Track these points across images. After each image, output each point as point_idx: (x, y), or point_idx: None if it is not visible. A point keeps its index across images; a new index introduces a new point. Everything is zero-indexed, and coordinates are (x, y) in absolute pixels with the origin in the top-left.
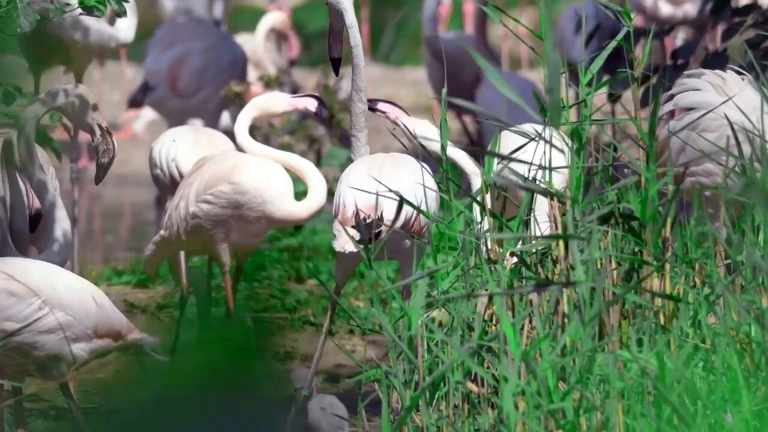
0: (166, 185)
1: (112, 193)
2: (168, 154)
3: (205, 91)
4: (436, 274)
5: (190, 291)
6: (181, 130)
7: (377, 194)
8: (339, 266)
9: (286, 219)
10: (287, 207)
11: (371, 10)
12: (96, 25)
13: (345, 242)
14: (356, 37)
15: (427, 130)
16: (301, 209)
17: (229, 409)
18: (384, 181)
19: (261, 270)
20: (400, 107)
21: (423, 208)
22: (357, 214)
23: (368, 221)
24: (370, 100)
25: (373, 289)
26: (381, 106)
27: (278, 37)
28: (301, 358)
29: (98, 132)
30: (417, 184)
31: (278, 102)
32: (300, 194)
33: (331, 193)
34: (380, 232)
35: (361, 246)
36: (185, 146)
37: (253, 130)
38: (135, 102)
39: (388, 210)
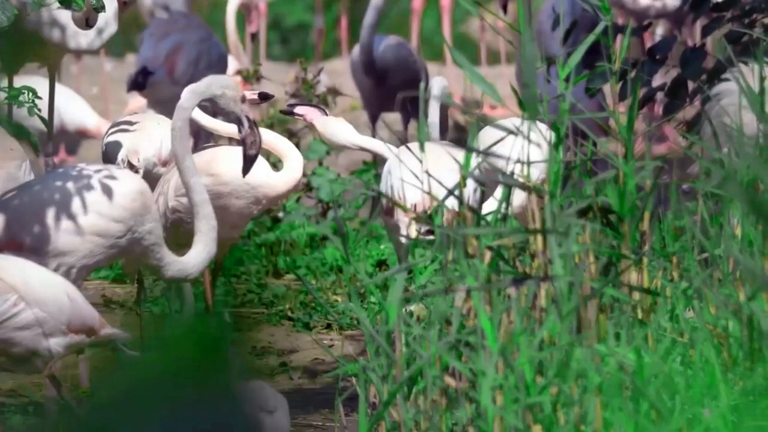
0: None
1: None
2: (104, 141)
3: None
4: (414, 268)
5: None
6: (125, 119)
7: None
8: (398, 248)
9: (281, 195)
10: (277, 183)
11: (350, 3)
12: (65, 26)
13: (411, 233)
14: None
15: (342, 127)
16: (288, 180)
17: (196, 405)
18: (437, 172)
19: (239, 265)
20: (319, 107)
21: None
22: (415, 207)
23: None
24: (289, 105)
25: (351, 283)
26: (298, 110)
27: (245, 10)
28: (278, 353)
29: (246, 124)
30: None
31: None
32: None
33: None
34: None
35: (429, 236)
36: (114, 135)
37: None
38: (137, 85)
39: (449, 202)
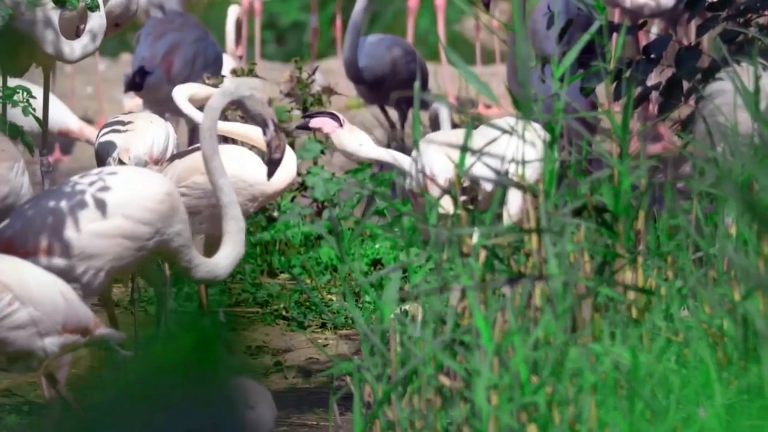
0: None
1: None
2: (97, 140)
3: (193, 80)
4: (409, 268)
5: (142, 288)
6: (118, 118)
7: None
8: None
9: (277, 192)
10: (273, 180)
11: (345, 2)
12: (52, 34)
13: (448, 207)
14: None
15: (359, 138)
16: (283, 177)
17: (189, 404)
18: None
19: None
20: (334, 115)
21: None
22: (451, 181)
23: (464, 186)
24: (305, 116)
25: (345, 283)
26: (313, 123)
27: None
28: (273, 353)
29: (272, 127)
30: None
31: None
32: None
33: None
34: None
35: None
36: (107, 134)
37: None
38: (134, 85)
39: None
